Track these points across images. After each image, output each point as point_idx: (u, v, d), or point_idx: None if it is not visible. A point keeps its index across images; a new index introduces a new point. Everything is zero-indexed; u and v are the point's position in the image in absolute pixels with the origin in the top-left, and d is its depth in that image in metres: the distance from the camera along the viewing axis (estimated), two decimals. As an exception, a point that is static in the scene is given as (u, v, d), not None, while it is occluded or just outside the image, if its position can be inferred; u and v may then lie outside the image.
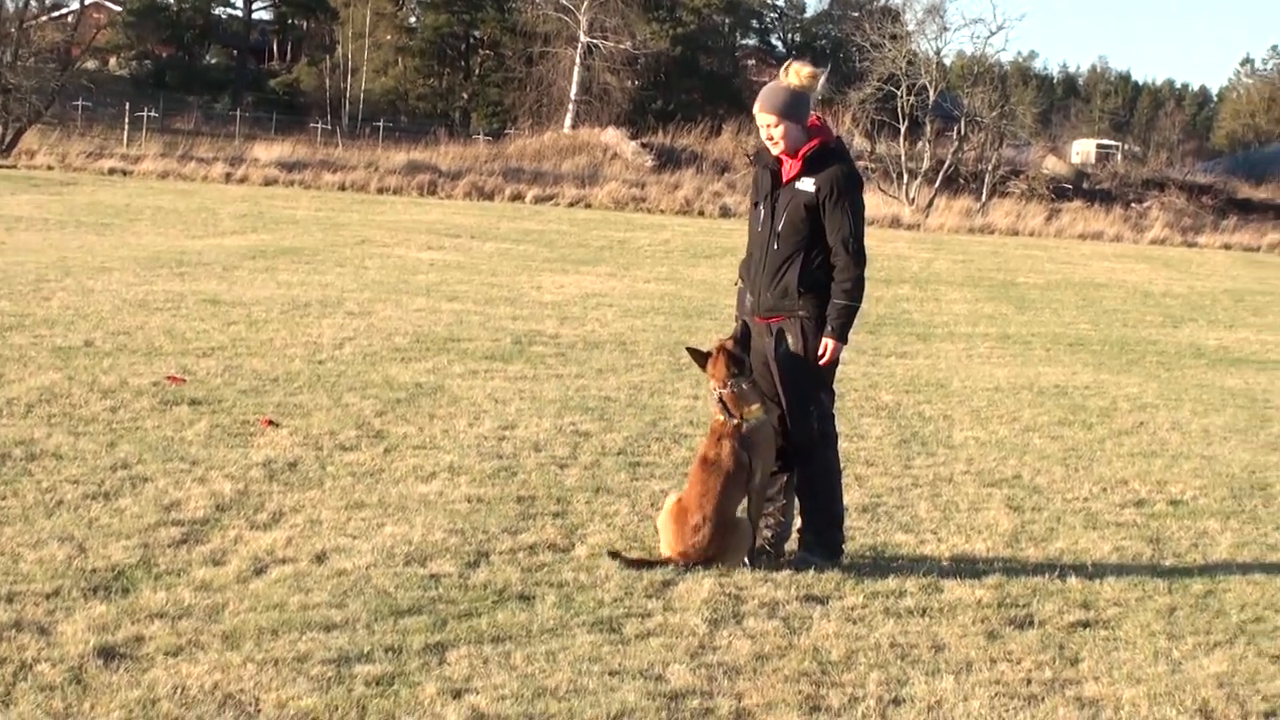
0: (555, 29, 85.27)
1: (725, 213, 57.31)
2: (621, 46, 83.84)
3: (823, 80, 9.58)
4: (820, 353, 9.30)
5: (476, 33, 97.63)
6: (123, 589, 7.98)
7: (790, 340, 9.35)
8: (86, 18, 72.97)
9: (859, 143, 67.75)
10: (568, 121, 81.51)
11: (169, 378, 14.18)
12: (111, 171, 54.93)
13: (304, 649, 7.25)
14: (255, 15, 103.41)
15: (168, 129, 72.58)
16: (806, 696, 7.09)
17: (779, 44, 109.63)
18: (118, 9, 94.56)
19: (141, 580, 8.14)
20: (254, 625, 7.52)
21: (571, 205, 56.27)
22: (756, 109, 9.42)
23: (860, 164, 66.67)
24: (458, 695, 6.80)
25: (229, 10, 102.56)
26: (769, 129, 9.38)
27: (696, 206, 58.07)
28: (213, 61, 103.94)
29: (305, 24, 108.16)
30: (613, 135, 72.07)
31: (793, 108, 9.36)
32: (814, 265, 9.34)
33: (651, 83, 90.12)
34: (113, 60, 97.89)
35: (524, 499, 10.50)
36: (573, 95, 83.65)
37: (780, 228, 9.38)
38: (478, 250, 32.90)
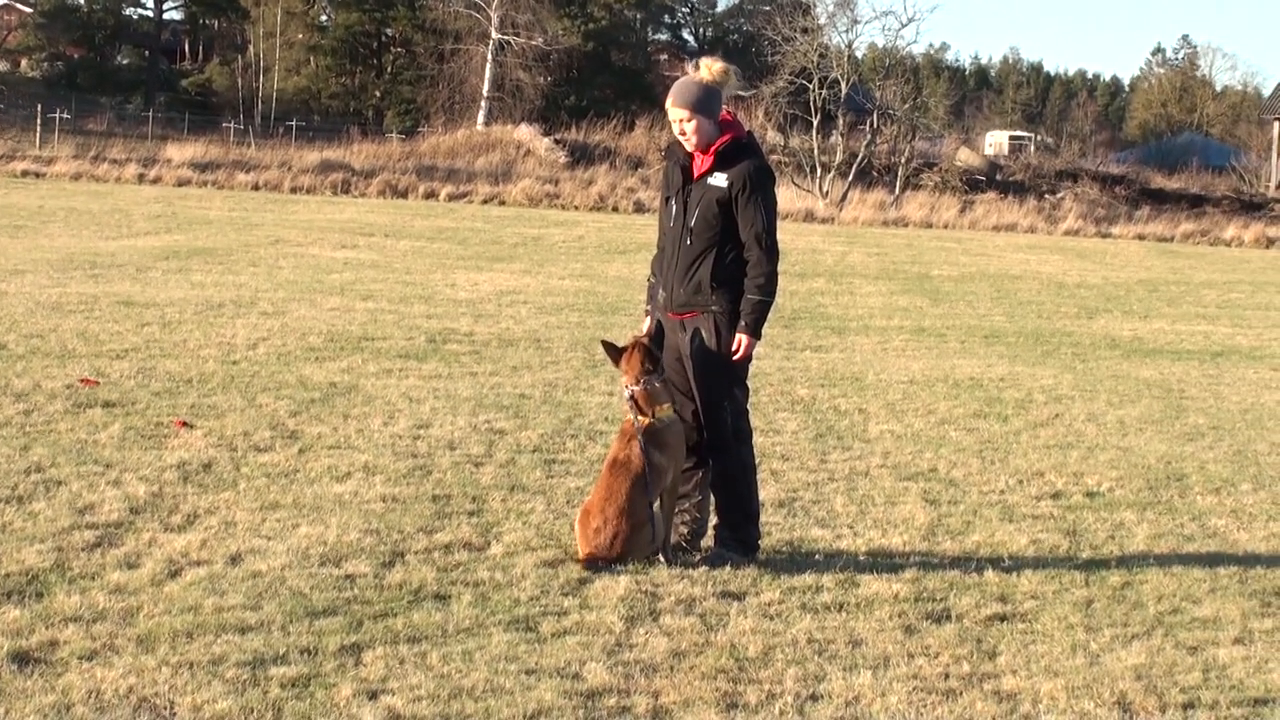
0: (467, 26, 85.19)
1: (639, 208, 57.32)
2: (533, 43, 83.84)
3: (735, 76, 9.58)
4: (734, 348, 9.29)
5: (388, 31, 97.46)
6: (36, 593, 7.91)
7: (704, 335, 9.34)
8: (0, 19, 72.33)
9: (772, 137, 67.93)
10: (480, 118, 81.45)
11: (82, 380, 14.08)
12: (24, 174, 54.50)
13: (219, 651, 7.20)
14: (166, 15, 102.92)
15: (80, 130, 72.07)
16: (724, 694, 7.10)
17: (691, 39, 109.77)
18: (28, 10, 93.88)
19: (55, 584, 8.08)
20: (169, 628, 7.47)
21: (485, 202, 56.19)
22: (669, 104, 9.39)
23: (774, 158, 66.86)
24: (374, 696, 6.77)
25: (140, 10, 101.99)
26: (682, 124, 9.34)
27: (610, 202, 58.06)
28: (124, 62, 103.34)
29: (216, 23, 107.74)
30: (526, 132, 72.01)
31: (705, 103, 9.33)
32: (727, 261, 9.33)
33: (564, 79, 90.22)
34: (24, 62, 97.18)
35: (439, 498, 10.47)
36: (485, 92, 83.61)
37: (693, 223, 9.37)
38: (392, 249, 32.81)
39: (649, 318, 9.71)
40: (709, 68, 9.45)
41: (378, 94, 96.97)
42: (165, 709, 6.53)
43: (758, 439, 13.19)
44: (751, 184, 9.30)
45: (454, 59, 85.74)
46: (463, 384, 15.24)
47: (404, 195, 56.94)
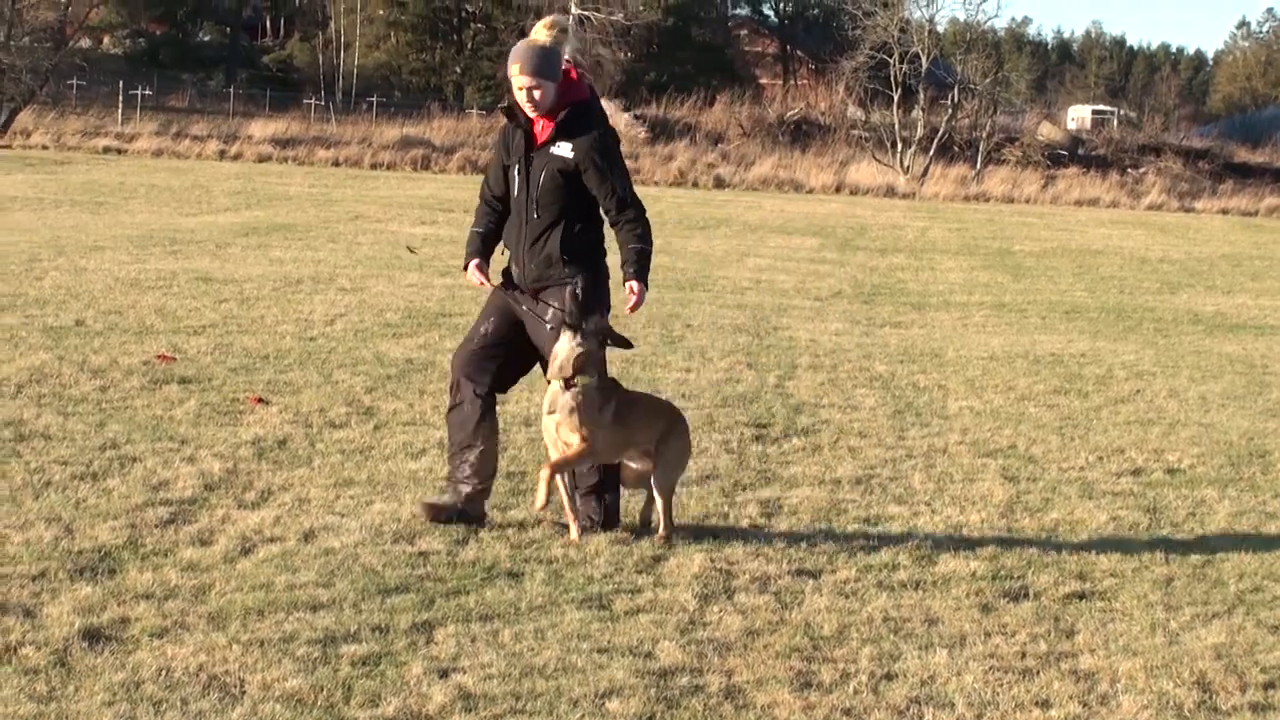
0: (546, 1, 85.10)
1: (719, 183, 57.25)
2: (613, 18, 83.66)
3: (571, 32, 9.25)
4: (627, 296, 9.06)
5: (468, 6, 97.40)
6: (109, 570, 7.91)
7: (557, 307, 9.04)
8: (78, -4, 72.69)
9: (852, 112, 67.75)
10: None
11: (159, 356, 14.11)
12: (106, 150, 54.92)
13: (290, 629, 7.18)
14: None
15: (162, 107, 72.52)
16: (798, 672, 7.02)
17: (771, 14, 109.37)
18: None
19: (128, 561, 8.08)
20: (240, 605, 7.45)
21: (566, 178, 56.03)
22: (514, 70, 9.01)
23: (854, 133, 66.67)
24: (444, 675, 6.73)
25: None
26: (529, 91, 9.00)
27: (690, 178, 58.02)
28: (206, 39, 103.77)
29: (297, 0, 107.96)
30: (606, 107, 71.85)
31: (550, 66, 9.00)
32: (575, 230, 9.10)
33: (644, 54, 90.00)
34: (106, 39, 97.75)
35: (513, 475, 10.42)
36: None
37: (538, 195, 9.09)
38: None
39: (477, 271, 9.36)
40: (546, 28, 9.11)
41: (458, 70, 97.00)
42: (235, 687, 6.50)
43: (836, 415, 13.14)
44: (600, 152, 9.05)
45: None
46: (539, 360, 15.17)
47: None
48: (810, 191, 57.68)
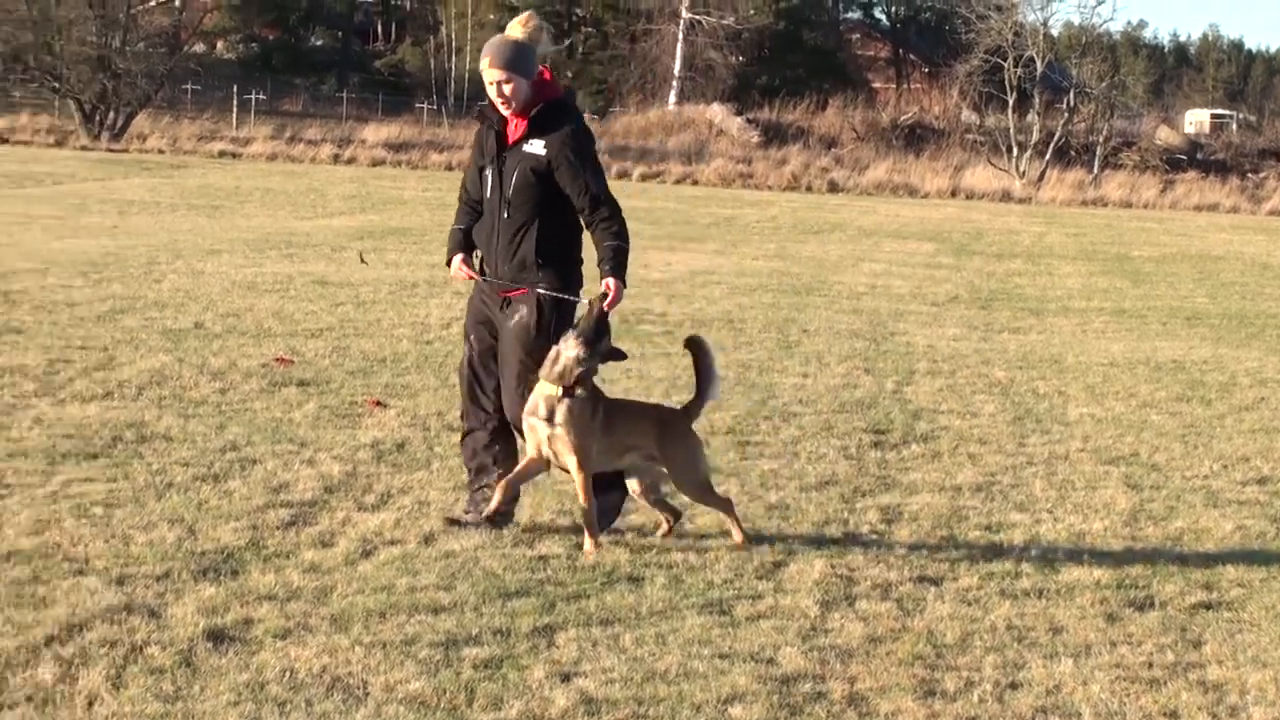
0: (657, 5, 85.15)
1: (833, 188, 57.05)
2: (724, 22, 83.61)
3: (546, 33, 9.04)
4: (604, 292, 8.80)
5: (579, 10, 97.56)
6: (232, 571, 7.94)
7: (524, 311, 8.93)
8: (193, 2, 73.43)
9: (967, 116, 67.39)
10: (672, 98, 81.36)
11: (277, 359, 14.18)
12: (221, 154, 55.35)
13: (412, 632, 7.18)
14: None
15: (276, 111, 73.11)
16: (921, 680, 6.96)
17: (883, 17, 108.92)
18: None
19: (250, 562, 8.11)
20: (362, 608, 7.46)
21: (678, 182, 56.21)
22: (486, 64, 8.88)
23: (969, 137, 66.31)
24: (566, 679, 6.71)
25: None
26: (500, 85, 8.84)
27: (804, 182, 57.83)
28: (318, 43, 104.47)
29: (408, 4, 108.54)
30: (718, 111, 71.88)
31: (522, 62, 8.86)
32: (549, 233, 8.95)
33: (755, 58, 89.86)
34: (220, 43, 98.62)
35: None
36: (676, 72, 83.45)
37: (510, 194, 8.94)
38: (585, 228, 32.78)
39: (463, 265, 9.23)
40: (522, 24, 8.96)
41: (569, 74, 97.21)
42: (358, 688, 6.51)
43: (955, 421, 13.03)
44: (573, 150, 8.86)
45: (645, 39, 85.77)
46: (655, 364, 15.16)
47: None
48: (925, 196, 57.41)
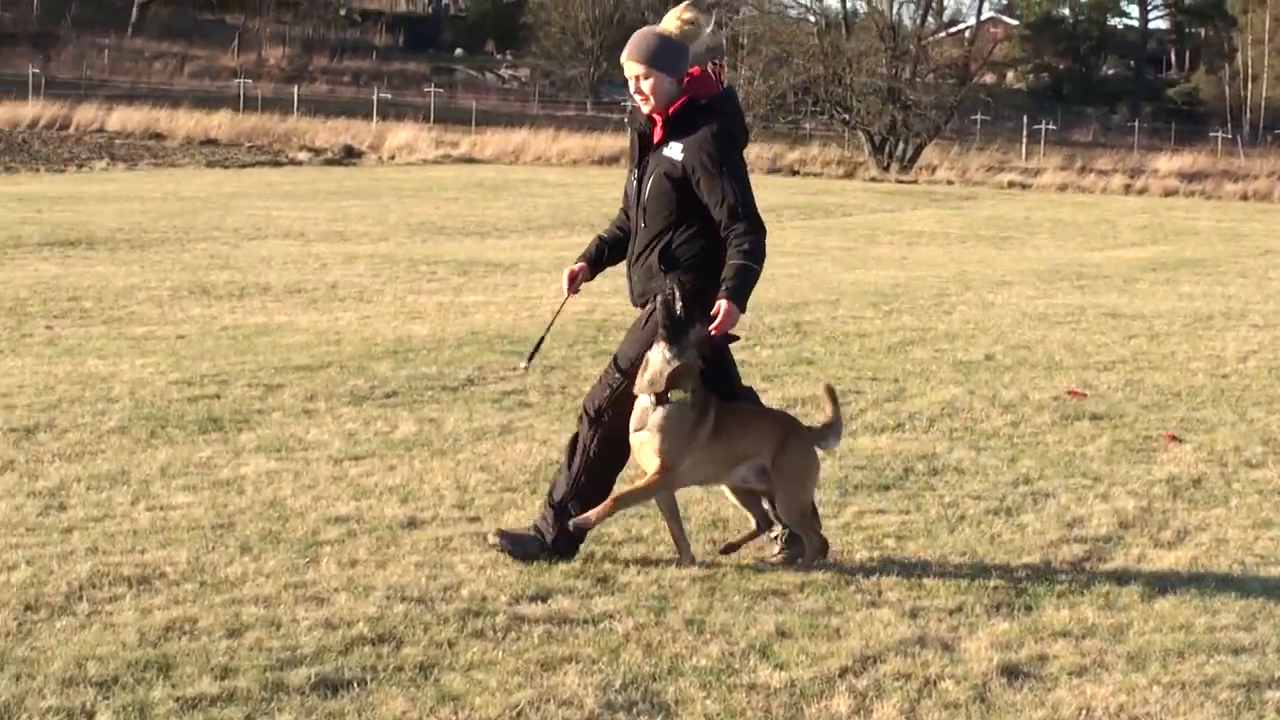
0: None
1: None
2: None
3: (708, 28, 8.18)
4: (713, 314, 7.92)
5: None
6: (1025, 606, 7.91)
7: (659, 300, 8.00)
8: (984, 33, 74.23)
9: None
10: None
11: (1070, 392, 14.08)
12: (1010, 185, 55.67)
13: (1211, 673, 7.00)
14: (1151, 24, 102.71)
15: (1065, 141, 73.05)
16: None
17: None
18: (1014, 23, 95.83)
19: (1044, 597, 8.05)
20: (1159, 646, 7.32)
21: None
22: (624, 57, 8.16)
23: None
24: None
25: (1124, 20, 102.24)
26: (638, 81, 8.11)
27: None
28: (1109, 72, 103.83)
29: (1203, 32, 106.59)
30: None
31: (664, 57, 8.07)
32: (681, 240, 8.09)
33: None
34: (1010, 74, 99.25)
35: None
36: None
37: (645, 202, 8.16)
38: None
39: (567, 275, 8.56)
40: (676, 17, 8.15)
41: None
42: (1158, 731, 6.39)
43: None
44: (710, 155, 7.99)
45: None
46: None
47: None
48: None
